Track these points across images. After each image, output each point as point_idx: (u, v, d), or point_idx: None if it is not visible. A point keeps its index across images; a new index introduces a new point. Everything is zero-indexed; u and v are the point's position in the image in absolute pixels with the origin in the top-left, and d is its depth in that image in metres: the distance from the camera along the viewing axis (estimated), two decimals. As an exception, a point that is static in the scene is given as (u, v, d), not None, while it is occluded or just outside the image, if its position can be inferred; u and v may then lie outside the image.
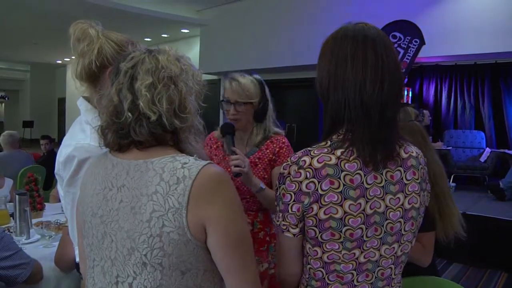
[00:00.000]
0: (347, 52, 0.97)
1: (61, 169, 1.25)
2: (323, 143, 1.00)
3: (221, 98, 1.89)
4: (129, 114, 0.93)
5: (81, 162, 1.19)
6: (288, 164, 0.99)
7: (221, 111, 1.95)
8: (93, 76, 1.26)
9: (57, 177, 1.32)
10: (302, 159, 0.97)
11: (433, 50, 6.17)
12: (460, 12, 6.03)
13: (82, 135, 1.25)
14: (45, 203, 3.09)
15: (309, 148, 0.99)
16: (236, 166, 1.66)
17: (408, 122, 1.76)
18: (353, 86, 0.96)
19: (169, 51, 1.00)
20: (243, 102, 1.82)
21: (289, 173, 0.98)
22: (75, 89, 1.31)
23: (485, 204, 5.21)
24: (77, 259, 1.27)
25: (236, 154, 1.71)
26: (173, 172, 0.89)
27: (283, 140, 1.92)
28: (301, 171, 0.95)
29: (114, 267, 0.94)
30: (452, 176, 6.24)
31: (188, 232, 0.87)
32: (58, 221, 2.56)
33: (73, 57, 1.30)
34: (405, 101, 6.37)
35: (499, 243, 4.36)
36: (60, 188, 1.32)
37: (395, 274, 1.06)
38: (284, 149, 1.89)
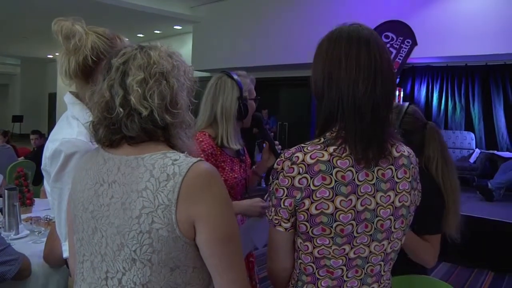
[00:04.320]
0: (341, 52, 0.99)
1: (48, 164, 1.24)
2: (317, 140, 1.01)
3: (250, 97, 1.81)
4: (121, 109, 0.93)
5: (68, 156, 1.18)
6: (282, 159, 1.00)
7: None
8: (88, 71, 1.25)
9: (43, 172, 1.30)
10: (295, 155, 0.98)
11: (425, 51, 6.23)
12: (452, 14, 6.09)
13: (69, 130, 1.24)
14: (35, 199, 3.06)
15: (302, 145, 1.00)
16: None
17: (428, 123, 1.71)
18: (347, 85, 0.98)
19: (160, 47, 1.00)
20: None
21: (282, 168, 0.99)
22: (64, 85, 1.31)
23: (474, 205, 5.27)
24: (64, 255, 1.26)
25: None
26: (163, 168, 0.89)
27: None
28: (294, 166, 0.97)
29: (104, 262, 0.94)
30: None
31: (177, 229, 0.87)
32: (48, 216, 2.54)
33: (59, 55, 1.28)
34: (396, 101, 6.40)
35: (486, 243, 4.41)
36: (47, 184, 1.31)
37: (384, 271, 1.07)
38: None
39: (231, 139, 1.73)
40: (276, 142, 1.77)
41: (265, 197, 1.69)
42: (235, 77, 1.75)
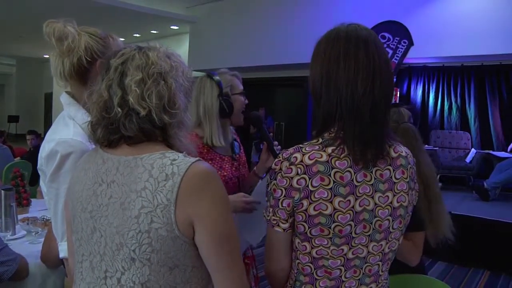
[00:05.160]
0: (340, 52, 0.99)
1: (44, 164, 1.24)
2: (315, 140, 1.01)
3: (232, 93, 1.79)
4: (119, 109, 0.93)
5: (64, 157, 1.18)
6: (280, 160, 1.00)
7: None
8: (83, 72, 1.26)
9: (40, 172, 1.31)
10: (293, 155, 0.98)
11: (421, 51, 6.25)
12: (448, 14, 6.11)
13: (65, 130, 1.24)
14: (32, 199, 3.05)
15: (300, 145, 1.00)
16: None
17: (401, 124, 1.77)
18: (345, 85, 0.98)
19: (159, 48, 1.00)
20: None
21: (280, 169, 0.99)
22: (59, 86, 1.31)
23: (470, 204, 5.29)
24: (61, 255, 1.25)
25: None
26: (162, 168, 0.89)
27: (234, 131, 1.99)
28: (292, 167, 0.97)
29: (103, 262, 0.94)
30: (438, 176, 6.29)
31: (176, 229, 0.88)
32: (45, 217, 2.53)
33: (52, 56, 1.28)
34: (392, 102, 6.41)
35: (482, 242, 4.43)
36: (43, 184, 1.31)
37: (382, 271, 1.08)
38: (238, 140, 1.99)
39: (216, 137, 1.75)
40: (276, 143, 1.76)
41: (252, 192, 1.68)
42: (215, 76, 1.78)
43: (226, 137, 1.80)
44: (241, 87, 1.82)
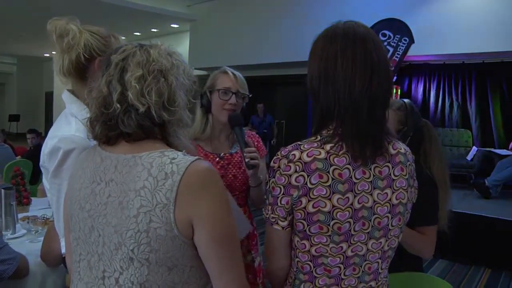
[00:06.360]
0: (337, 50, 0.99)
1: (47, 161, 1.25)
2: (313, 137, 1.01)
3: (209, 89, 1.75)
4: (118, 105, 0.93)
5: (67, 153, 1.19)
6: (278, 157, 1.00)
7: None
8: (81, 69, 1.27)
9: (42, 169, 1.32)
10: (292, 153, 0.98)
11: (422, 49, 6.24)
12: (449, 12, 6.10)
13: (67, 127, 1.25)
14: (32, 198, 3.05)
15: (299, 143, 1.00)
16: (252, 159, 1.60)
17: (424, 120, 1.80)
18: (343, 82, 0.97)
19: (160, 46, 1.00)
20: (242, 94, 1.76)
21: (279, 166, 0.99)
22: (62, 83, 1.32)
23: (471, 202, 5.28)
24: (63, 250, 1.26)
25: (250, 146, 1.64)
26: (161, 167, 0.89)
27: (254, 134, 1.91)
28: (291, 164, 0.96)
29: (101, 261, 0.93)
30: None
31: (176, 228, 0.87)
32: (45, 216, 2.53)
33: (55, 54, 1.30)
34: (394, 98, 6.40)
35: (483, 240, 4.43)
36: (46, 181, 1.32)
37: (381, 269, 1.07)
38: (260, 143, 1.90)
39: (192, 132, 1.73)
40: (252, 149, 1.62)
41: None
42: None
43: (209, 133, 1.76)
44: (224, 85, 1.73)
